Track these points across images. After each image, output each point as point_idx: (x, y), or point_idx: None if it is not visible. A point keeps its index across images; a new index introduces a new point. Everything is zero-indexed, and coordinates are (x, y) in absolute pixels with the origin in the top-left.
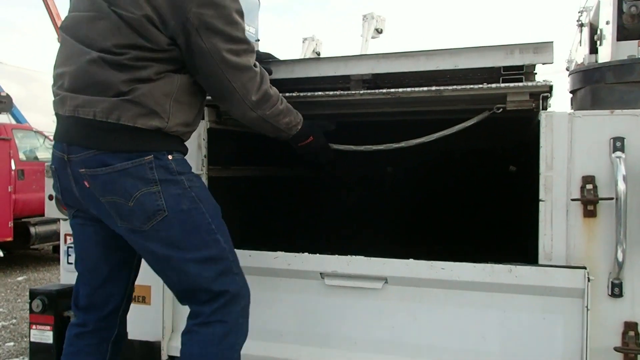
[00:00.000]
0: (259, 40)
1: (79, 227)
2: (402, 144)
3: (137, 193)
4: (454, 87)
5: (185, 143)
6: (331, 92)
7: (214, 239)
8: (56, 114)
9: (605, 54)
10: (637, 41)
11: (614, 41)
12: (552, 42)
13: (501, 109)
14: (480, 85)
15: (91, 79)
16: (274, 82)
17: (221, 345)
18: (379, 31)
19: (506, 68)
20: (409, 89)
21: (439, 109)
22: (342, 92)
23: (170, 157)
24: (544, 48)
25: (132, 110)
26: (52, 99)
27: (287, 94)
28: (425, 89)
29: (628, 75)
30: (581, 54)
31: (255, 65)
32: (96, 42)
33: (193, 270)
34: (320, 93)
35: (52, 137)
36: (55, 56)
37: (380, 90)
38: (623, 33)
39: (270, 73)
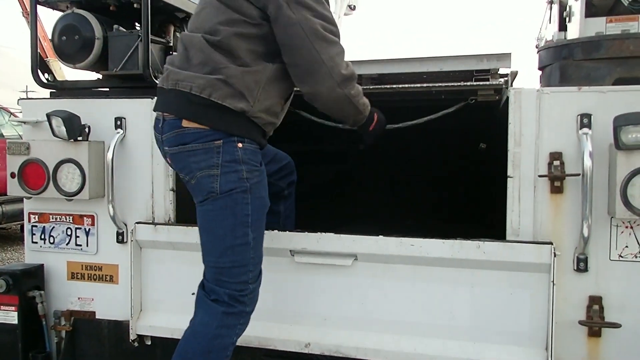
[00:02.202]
0: None
1: None
2: (406, 124)
3: (198, 173)
4: (440, 84)
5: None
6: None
7: (244, 232)
8: (158, 89)
9: (573, 31)
10: (605, 18)
11: (583, 18)
12: (510, 53)
13: (474, 100)
14: (459, 83)
15: (193, 57)
16: None
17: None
18: (351, 8)
19: (477, 71)
20: (407, 85)
21: (427, 99)
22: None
23: (240, 145)
24: (504, 57)
25: (223, 90)
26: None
27: None
28: (418, 85)
29: (595, 51)
30: (550, 32)
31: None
32: (202, 26)
33: (220, 253)
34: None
35: (17, 114)
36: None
37: (385, 86)
38: (591, 9)
39: None
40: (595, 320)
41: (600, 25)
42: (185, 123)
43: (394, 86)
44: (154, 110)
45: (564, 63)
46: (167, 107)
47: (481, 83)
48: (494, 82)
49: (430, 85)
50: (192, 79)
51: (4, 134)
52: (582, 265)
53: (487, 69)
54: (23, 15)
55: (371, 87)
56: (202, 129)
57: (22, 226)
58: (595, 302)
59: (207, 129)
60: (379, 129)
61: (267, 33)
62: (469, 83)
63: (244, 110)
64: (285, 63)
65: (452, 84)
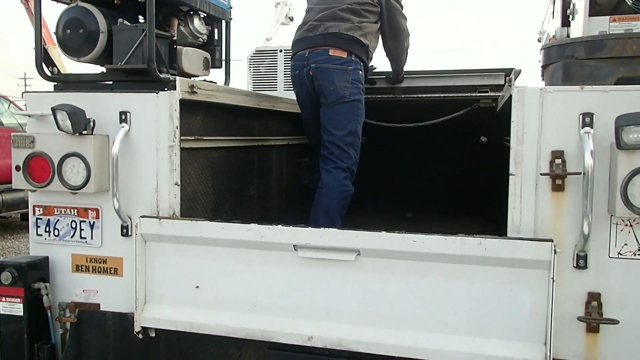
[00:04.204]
0: (231, 7)
1: (308, 108)
2: (426, 123)
3: (337, 83)
4: (453, 94)
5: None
6: (387, 95)
7: (359, 125)
8: (302, 38)
9: (577, 29)
10: (608, 17)
11: (586, 16)
12: (503, 72)
13: (477, 106)
14: (466, 94)
15: (339, 17)
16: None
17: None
18: (290, 19)
19: (480, 85)
20: (429, 95)
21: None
22: (394, 95)
23: (360, 72)
24: (499, 76)
25: (359, 32)
26: (304, 27)
27: (371, 96)
28: (437, 95)
29: (599, 51)
30: (553, 26)
31: None
32: (344, 1)
33: (349, 131)
34: (386, 95)
35: (17, 103)
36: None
37: (412, 96)
38: (595, 8)
39: (374, 83)
40: (594, 317)
41: (604, 24)
42: (332, 52)
43: (421, 95)
44: (298, 51)
45: (567, 62)
46: (316, 43)
47: (483, 94)
48: (492, 94)
49: (447, 95)
50: (339, 25)
51: (4, 123)
52: (581, 262)
53: (487, 84)
54: (21, 1)
55: (403, 96)
56: (342, 57)
57: (22, 215)
58: (594, 299)
59: (345, 58)
60: (402, 79)
61: (378, 11)
62: (473, 94)
63: (367, 45)
64: (384, 28)
65: (461, 94)
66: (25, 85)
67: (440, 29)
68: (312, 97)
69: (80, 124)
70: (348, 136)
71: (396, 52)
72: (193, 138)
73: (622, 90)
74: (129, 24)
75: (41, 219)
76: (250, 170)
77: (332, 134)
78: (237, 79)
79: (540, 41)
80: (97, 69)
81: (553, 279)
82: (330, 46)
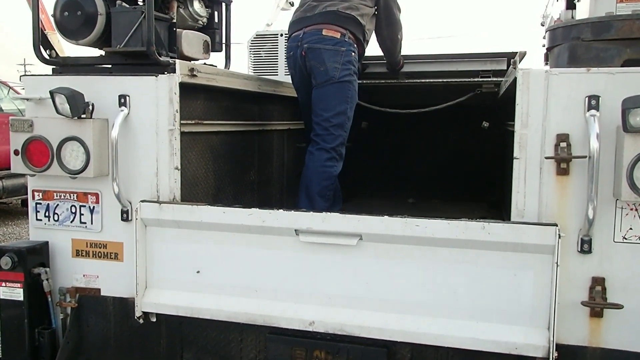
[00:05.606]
0: None
1: (302, 90)
2: (429, 109)
3: (328, 64)
4: (455, 79)
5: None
6: (390, 80)
7: (349, 107)
8: (298, 19)
9: (583, 10)
10: None
11: None
12: (505, 57)
13: (479, 91)
14: (469, 79)
15: None
16: (369, 74)
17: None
18: (291, 4)
19: (482, 70)
20: (431, 80)
21: (445, 88)
22: (397, 80)
23: (353, 54)
24: (501, 61)
25: (357, 11)
26: (302, 8)
27: (373, 81)
28: (439, 80)
29: (605, 32)
30: (557, 9)
31: None
32: None
33: (336, 113)
34: (389, 80)
35: (17, 88)
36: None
37: (415, 80)
38: None
39: (365, 69)
40: (598, 301)
41: (611, 5)
42: (325, 32)
43: (424, 80)
44: (294, 32)
45: (573, 44)
46: (312, 22)
47: (485, 79)
48: (494, 79)
49: (450, 80)
50: (338, 3)
51: (4, 108)
52: (586, 246)
53: (490, 69)
54: None
55: (406, 80)
56: (335, 37)
57: (22, 201)
58: (598, 283)
59: (338, 38)
60: (401, 68)
61: None
62: (476, 79)
63: (363, 25)
64: (380, 16)
65: (464, 79)
66: (25, 71)
67: (439, 17)
68: (305, 78)
69: (79, 107)
70: (335, 117)
71: (390, 42)
72: (193, 122)
73: (629, 72)
74: (127, 5)
75: (40, 203)
76: (251, 155)
77: (320, 115)
78: (238, 63)
79: (543, 25)
80: (96, 52)
81: (557, 263)
82: (326, 25)
